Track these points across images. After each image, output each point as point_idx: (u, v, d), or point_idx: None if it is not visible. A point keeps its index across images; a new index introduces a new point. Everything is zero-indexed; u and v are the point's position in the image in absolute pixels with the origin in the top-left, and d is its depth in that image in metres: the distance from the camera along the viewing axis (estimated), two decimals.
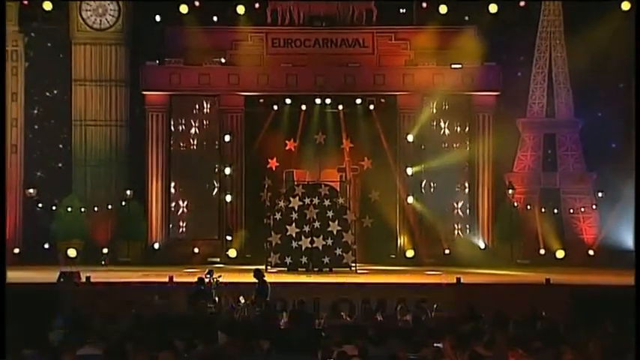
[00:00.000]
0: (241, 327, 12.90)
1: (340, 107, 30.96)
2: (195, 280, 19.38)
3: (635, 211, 21.74)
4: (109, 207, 30.64)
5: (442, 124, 31.13)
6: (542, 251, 30.13)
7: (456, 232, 31.00)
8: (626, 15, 28.63)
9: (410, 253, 30.12)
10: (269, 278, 20.03)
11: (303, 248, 26.50)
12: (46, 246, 30.06)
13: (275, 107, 30.98)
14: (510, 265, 28.55)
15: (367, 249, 29.39)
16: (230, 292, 19.40)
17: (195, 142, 31.24)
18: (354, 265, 26.48)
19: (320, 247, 26.48)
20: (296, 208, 26.71)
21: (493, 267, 27.59)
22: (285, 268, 26.07)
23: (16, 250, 29.29)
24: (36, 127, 31.15)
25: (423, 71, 30.41)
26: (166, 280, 22.00)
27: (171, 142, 31.19)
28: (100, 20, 30.89)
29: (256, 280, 19.43)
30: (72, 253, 29.68)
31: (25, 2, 30.34)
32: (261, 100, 31.14)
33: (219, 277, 19.48)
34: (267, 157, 31.22)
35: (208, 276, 19.29)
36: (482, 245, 30.45)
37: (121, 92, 31.22)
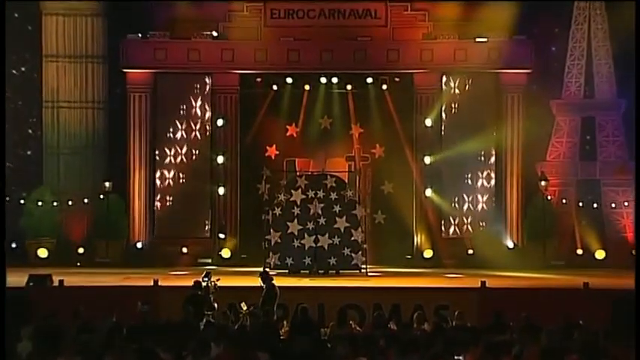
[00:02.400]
0: (236, 337, 12.92)
1: (349, 87, 30.96)
2: (191, 284, 19.41)
3: (635, 211, 21.94)
4: (85, 201, 30.68)
5: (465, 107, 31.11)
6: (579, 251, 30.16)
7: (480, 229, 31.01)
8: None
9: (428, 254, 30.15)
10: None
11: (307, 248, 26.53)
12: (14, 245, 30.11)
13: (274, 87, 30.98)
14: (542, 267, 28.55)
15: (379, 248, 29.46)
16: (228, 297, 19.46)
17: (183, 127, 31.26)
18: (364, 266, 26.50)
19: (325, 247, 26.50)
20: (298, 203, 26.72)
21: (523, 269, 27.57)
22: (286, 271, 26.11)
23: None
24: None
25: (443, 46, 30.39)
26: (151, 283, 22.03)
27: (156, 127, 31.21)
28: None
29: (262, 284, 19.49)
30: (43, 253, 29.74)
31: None
32: (259, 80, 31.15)
33: (218, 280, 19.54)
34: (266, 144, 31.25)
35: (206, 279, 19.34)
36: (510, 244, 30.46)
37: (98, 70, 31.25)
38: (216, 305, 18.90)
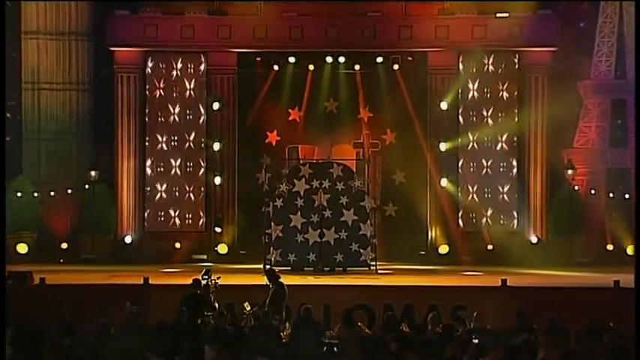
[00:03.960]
0: (234, 340, 12.92)
1: (357, 67, 30.91)
2: (190, 282, 19.45)
3: (635, 210, 22.06)
4: (69, 191, 30.68)
5: (484, 89, 31.07)
6: (609, 247, 30.12)
7: (501, 222, 30.99)
8: None
9: (444, 249, 30.15)
10: (263, 280, 20.08)
11: (311, 243, 26.55)
12: None
13: (275, 67, 30.94)
14: (569, 263, 28.54)
15: (390, 244, 29.45)
16: (225, 297, 19.49)
17: (176, 111, 31.25)
18: (373, 263, 26.51)
19: (331, 242, 26.52)
20: (302, 193, 26.73)
21: (547, 266, 27.57)
22: (289, 268, 26.09)
23: None
24: None
25: (461, 22, 30.34)
26: (140, 282, 22.05)
27: (147, 110, 31.20)
28: None
29: (268, 283, 19.55)
30: (22, 248, 29.76)
31: None
32: (258, 59, 31.11)
33: (219, 278, 19.58)
34: (266, 130, 31.24)
35: (205, 277, 19.39)
36: (533, 239, 30.43)
37: (83, 48, 31.23)
38: (217, 305, 18.94)
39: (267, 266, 25.63)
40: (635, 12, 26.35)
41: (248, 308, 18.63)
